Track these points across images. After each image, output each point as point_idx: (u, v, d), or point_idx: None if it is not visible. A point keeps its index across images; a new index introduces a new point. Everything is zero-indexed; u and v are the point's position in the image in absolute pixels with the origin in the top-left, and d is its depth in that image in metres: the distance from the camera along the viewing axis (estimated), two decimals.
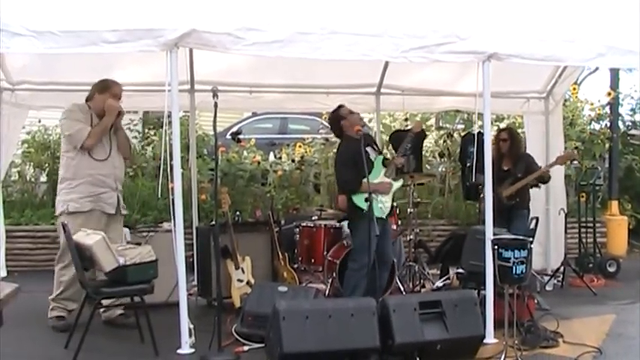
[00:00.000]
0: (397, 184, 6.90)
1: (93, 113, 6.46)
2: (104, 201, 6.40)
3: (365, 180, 6.11)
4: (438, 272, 8.28)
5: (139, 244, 6.13)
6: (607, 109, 11.62)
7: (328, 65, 6.88)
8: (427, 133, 12.27)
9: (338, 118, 6.93)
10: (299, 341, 4.94)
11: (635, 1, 6.60)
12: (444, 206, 11.33)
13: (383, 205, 6.62)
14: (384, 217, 6.59)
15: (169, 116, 5.58)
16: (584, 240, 9.32)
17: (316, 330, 5.00)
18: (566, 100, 11.17)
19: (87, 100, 6.57)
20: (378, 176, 6.68)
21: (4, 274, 7.56)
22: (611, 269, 9.28)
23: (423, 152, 11.88)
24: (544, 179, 8.00)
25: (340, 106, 7.09)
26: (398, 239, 8.15)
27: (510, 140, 8.04)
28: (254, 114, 14.86)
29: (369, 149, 6.78)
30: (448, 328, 5.33)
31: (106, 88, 6.50)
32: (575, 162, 9.61)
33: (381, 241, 6.45)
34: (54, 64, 7.22)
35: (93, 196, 6.34)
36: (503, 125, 11.37)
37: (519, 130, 10.44)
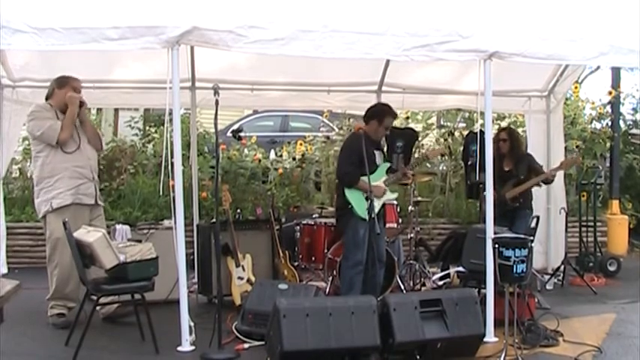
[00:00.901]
0: (391, 196, 6.96)
1: (56, 110, 6.46)
2: (82, 192, 6.42)
3: (364, 178, 6.18)
4: (439, 271, 8.28)
5: (139, 241, 6.15)
6: (608, 108, 11.61)
7: (330, 63, 6.87)
8: (422, 133, 12.35)
9: (377, 116, 6.87)
10: (299, 339, 4.94)
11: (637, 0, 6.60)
12: (444, 205, 11.32)
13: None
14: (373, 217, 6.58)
15: (170, 114, 5.58)
16: (584, 239, 9.33)
17: (317, 328, 5.00)
18: (567, 99, 11.15)
19: (47, 99, 6.58)
20: (377, 180, 6.69)
21: (4, 270, 7.56)
22: (612, 268, 9.27)
23: (424, 151, 11.94)
24: (548, 181, 8.00)
25: (393, 113, 7.05)
26: (397, 238, 8.16)
27: (510, 140, 8.03)
28: (255, 112, 14.87)
29: (377, 153, 6.82)
30: (448, 327, 5.33)
31: (64, 83, 6.52)
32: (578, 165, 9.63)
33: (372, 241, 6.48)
34: (55, 61, 7.21)
35: (72, 189, 6.36)
36: (504, 124, 11.37)
37: (520, 129, 10.47)
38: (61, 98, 6.47)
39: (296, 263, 7.98)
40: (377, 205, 6.65)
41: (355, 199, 6.52)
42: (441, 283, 7.92)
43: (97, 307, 5.92)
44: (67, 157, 6.38)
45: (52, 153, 6.37)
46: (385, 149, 8.16)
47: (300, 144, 12.25)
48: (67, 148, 6.38)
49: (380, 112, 6.91)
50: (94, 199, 6.52)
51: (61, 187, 6.34)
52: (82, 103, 6.48)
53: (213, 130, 6.38)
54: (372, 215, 6.08)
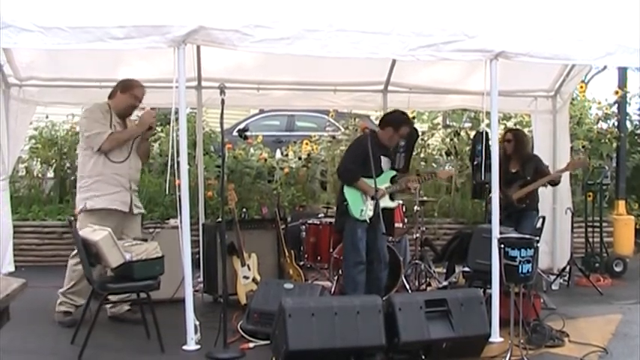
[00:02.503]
0: (391, 204, 6.94)
1: (113, 112, 6.45)
2: (118, 199, 6.39)
3: (363, 179, 6.37)
4: (444, 271, 8.27)
5: (145, 240, 6.15)
6: (615, 108, 11.58)
7: (335, 62, 6.87)
8: (420, 133, 12.32)
9: (393, 124, 6.86)
10: (305, 339, 4.94)
11: None
12: (450, 204, 11.31)
13: (366, 211, 6.57)
14: (367, 221, 6.56)
15: (176, 113, 5.60)
16: (590, 239, 9.32)
17: (322, 328, 5.00)
18: (573, 99, 11.13)
19: (109, 98, 6.57)
20: (380, 185, 6.67)
21: (12, 269, 7.58)
22: (618, 269, 9.26)
23: (429, 151, 11.95)
24: (555, 182, 7.98)
25: (410, 123, 7.11)
26: (404, 237, 8.15)
27: (515, 141, 7.98)
28: (261, 111, 14.87)
29: (384, 159, 6.83)
30: (454, 327, 5.33)
31: (128, 87, 6.51)
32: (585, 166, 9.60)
33: (372, 240, 6.47)
34: (61, 60, 7.23)
35: (108, 195, 6.33)
36: (510, 124, 11.35)
37: (526, 129, 10.44)
38: (120, 102, 6.47)
39: (301, 263, 7.97)
40: (370, 206, 6.62)
41: (352, 198, 6.54)
42: (446, 283, 7.91)
43: (108, 306, 5.93)
44: (109, 163, 6.37)
45: (95, 155, 6.35)
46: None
47: (306, 143, 12.24)
48: (113, 157, 6.37)
49: (397, 120, 6.91)
50: (128, 206, 6.47)
51: (97, 190, 6.33)
52: (150, 128, 6.52)
53: (219, 130, 6.37)
54: (370, 216, 6.08)
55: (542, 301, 6.93)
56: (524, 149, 8.10)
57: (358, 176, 6.48)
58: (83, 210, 6.35)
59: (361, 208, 6.52)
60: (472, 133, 10.93)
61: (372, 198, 6.16)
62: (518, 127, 10.19)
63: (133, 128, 6.46)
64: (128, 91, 6.49)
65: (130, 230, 6.46)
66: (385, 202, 6.78)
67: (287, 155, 12.32)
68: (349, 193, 6.59)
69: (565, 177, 8.77)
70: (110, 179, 6.36)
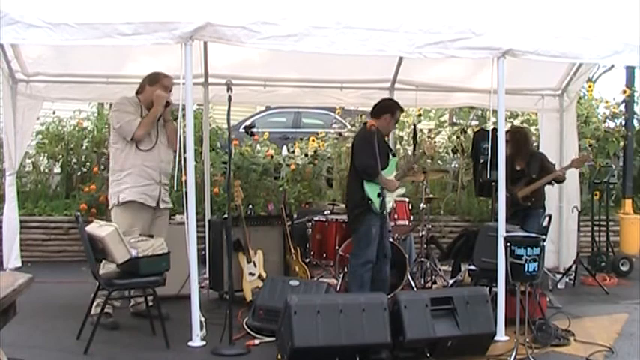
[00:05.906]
0: (401, 191, 7.00)
1: (143, 106, 6.48)
2: (147, 193, 6.39)
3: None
4: (450, 268, 8.27)
5: (151, 236, 6.16)
6: (622, 107, 11.55)
7: (342, 60, 6.88)
8: (434, 131, 12.34)
9: (390, 110, 6.87)
10: (310, 336, 4.94)
11: None
12: (456, 202, 11.31)
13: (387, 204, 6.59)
14: (386, 214, 6.56)
15: (183, 109, 5.61)
16: (597, 238, 9.30)
17: (327, 325, 5.00)
18: (580, 98, 11.10)
19: (137, 93, 6.58)
20: (390, 175, 6.72)
21: (18, 264, 7.60)
22: (624, 268, 9.25)
23: (436, 148, 11.91)
24: (559, 180, 7.95)
25: (401, 107, 7.09)
26: (409, 235, 8.15)
27: (511, 141, 7.78)
28: (267, 108, 14.87)
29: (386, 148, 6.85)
30: (459, 325, 5.33)
31: (156, 80, 6.51)
32: (590, 162, 9.55)
33: (380, 237, 6.47)
34: (68, 56, 7.24)
35: (138, 187, 6.34)
36: (517, 122, 11.33)
37: (533, 128, 10.43)
38: (149, 95, 6.46)
39: (307, 260, 7.97)
40: (389, 200, 6.66)
41: (374, 195, 6.48)
42: (452, 281, 7.91)
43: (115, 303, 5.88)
44: (140, 155, 6.37)
45: (126, 147, 6.37)
46: None
47: (313, 140, 12.25)
48: (141, 145, 6.38)
49: (391, 106, 6.93)
50: (156, 202, 6.48)
51: (128, 182, 6.33)
52: (167, 103, 6.48)
53: (225, 126, 6.39)
54: (385, 212, 6.08)
55: (547, 299, 6.93)
56: (525, 147, 7.98)
57: (379, 171, 6.42)
58: (115, 204, 6.33)
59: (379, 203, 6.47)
60: (476, 131, 10.89)
61: (379, 195, 6.13)
62: (524, 125, 10.14)
63: (153, 109, 6.41)
64: (156, 83, 6.49)
65: (158, 225, 6.49)
66: (398, 191, 6.88)
67: (293, 152, 12.33)
68: (370, 190, 6.48)
69: (573, 176, 8.75)
70: (142, 172, 6.37)
